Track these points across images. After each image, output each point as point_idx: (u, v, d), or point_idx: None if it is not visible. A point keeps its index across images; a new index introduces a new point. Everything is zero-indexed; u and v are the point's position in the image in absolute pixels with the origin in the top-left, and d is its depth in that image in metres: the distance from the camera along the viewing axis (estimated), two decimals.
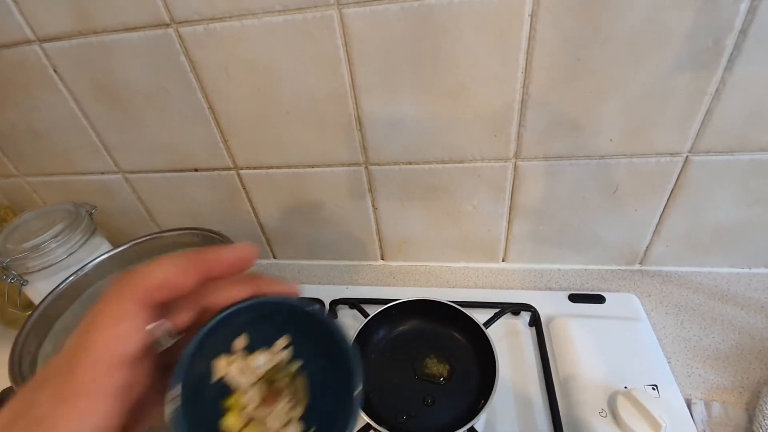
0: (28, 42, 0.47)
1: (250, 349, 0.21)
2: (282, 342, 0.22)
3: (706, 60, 0.38)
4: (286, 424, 0.21)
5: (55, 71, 0.49)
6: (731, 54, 0.38)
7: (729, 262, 0.54)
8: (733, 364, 0.45)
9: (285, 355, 0.22)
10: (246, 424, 0.20)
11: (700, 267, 0.55)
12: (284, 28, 0.42)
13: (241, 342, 0.21)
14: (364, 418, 0.38)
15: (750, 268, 0.54)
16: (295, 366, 0.22)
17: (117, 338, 0.17)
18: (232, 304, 0.20)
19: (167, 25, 0.43)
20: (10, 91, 0.52)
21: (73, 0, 0.43)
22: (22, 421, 0.16)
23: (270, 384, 0.21)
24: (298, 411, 0.22)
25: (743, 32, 0.36)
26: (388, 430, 0.37)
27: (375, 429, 0.37)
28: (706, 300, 0.51)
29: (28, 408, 0.16)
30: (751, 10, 0.35)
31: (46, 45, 0.47)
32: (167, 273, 0.18)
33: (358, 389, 0.21)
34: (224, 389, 0.21)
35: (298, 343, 0.22)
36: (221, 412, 0.21)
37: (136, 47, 0.45)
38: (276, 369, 0.22)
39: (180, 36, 0.44)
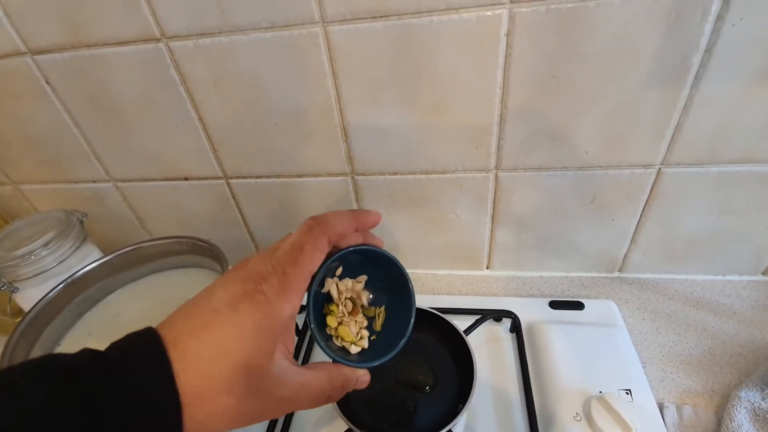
0: (20, 54, 0.48)
1: (342, 276, 0.31)
2: (362, 277, 0.31)
3: (674, 77, 0.40)
4: (359, 330, 0.31)
5: (47, 82, 0.50)
6: (698, 72, 0.39)
7: (704, 270, 0.56)
8: (706, 369, 0.46)
9: (361, 285, 0.32)
10: (339, 323, 0.30)
11: (677, 274, 0.56)
12: (272, 43, 0.43)
13: (339, 270, 0.30)
14: (345, 423, 0.39)
15: (724, 275, 0.55)
16: (366, 293, 0.32)
17: (315, 260, 0.25)
18: (347, 247, 0.28)
19: (158, 40, 0.44)
20: (3, 101, 0.53)
21: (65, 14, 0.44)
22: (247, 301, 0.23)
23: (353, 302, 0.31)
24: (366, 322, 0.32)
25: (708, 51, 0.38)
26: None
27: None
28: (682, 306, 0.53)
29: (248, 294, 0.23)
30: (716, 31, 0.37)
31: (38, 57, 0.48)
32: (346, 224, 0.27)
33: (413, 315, 0.30)
34: (329, 298, 0.30)
35: (374, 277, 0.32)
36: (323, 314, 0.30)
37: (128, 60, 0.47)
38: (357, 293, 0.31)
39: (170, 50, 0.45)
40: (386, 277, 0.31)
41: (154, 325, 0.24)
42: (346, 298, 0.31)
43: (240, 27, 0.42)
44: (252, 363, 0.23)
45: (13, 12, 0.45)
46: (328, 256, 0.27)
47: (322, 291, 0.30)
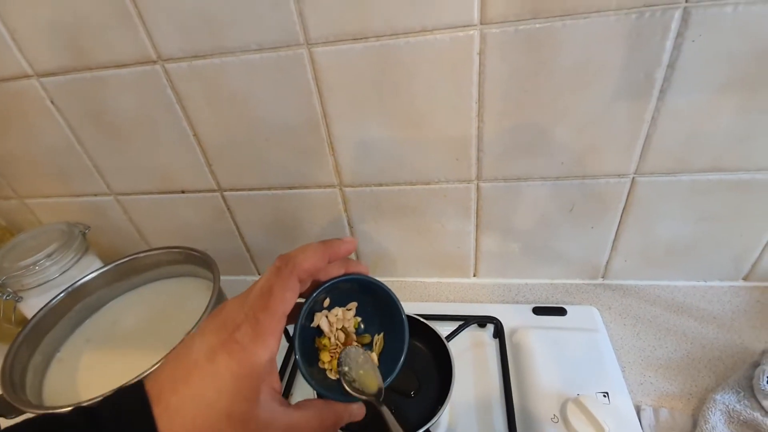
0: (27, 76, 0.51)
1: (331, 307, 0.31)
2: (353, 304, 0.32)
3: (640, 91, 0.42)
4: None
5: (52, 102, 0.53)
6: (662, 85, 0.41)
7: (685, 276, 0.57)
8: (684, 373, 0.47)
9: (352, 313, 0.32)
10: (332, 358, 0.30)
11: (658, 280, 0.58)
12: (260, 64, 0.46)
13: (326, 302, 0.31)
14: None
15: (705, 281, 0.57)
16: (358, 320, 0.32)
17: (286, 301, 0.25)
18: (330, 279, 0.29)
19: (154, 62, 0.47)
20: (10, 120, 0.56)
21: (68, 39, 0.47)
22: (223, 351, 0.23)
23: (345, 332, 0.31)
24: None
25: (671, 66, 0.40)
26: None
27: None
28: (663, 312, 0.54)
29: (224, 343, 0.24)
30: (677, 47, 0.39)
31: (43, 79, 0.51)
32: (315, 259, 0.27)
33: (406, 340, 0.31)
34: (319, 332, 0.30)
35: (363, 303, 0.32)
36: (316, 348, 0.30)
37: (127, 81, 0.49)
38: (348, 321, 0.31)
39: (166, 71, 0.48)
40: (374, 302, 0.31)
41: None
42: (337, 329, 0.31)
43: (230, 49, 0.45)
44: (235, 411, 0.23)
45: (20, 38, 0.49)
46: (314, 288, 0.28)
47: (312, 326, 0.30)
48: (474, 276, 0.63)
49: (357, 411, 0.29)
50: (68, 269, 0.56)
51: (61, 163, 0.59)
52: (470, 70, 0.43)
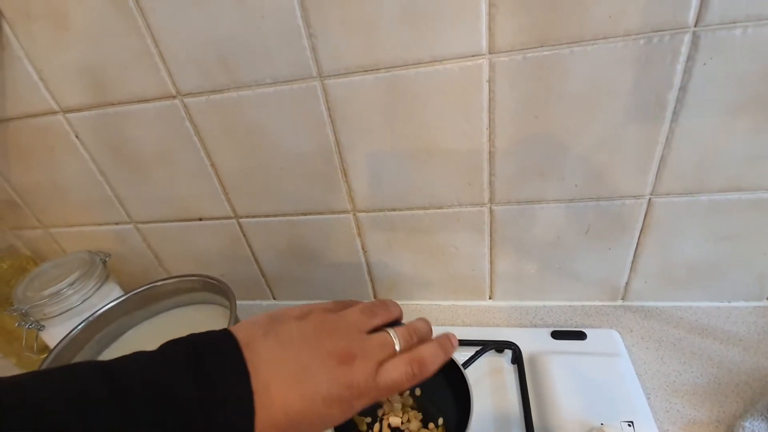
0: (54, 113, 0.54)
1: None
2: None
3: (652, 113, 0.42)
4: None
5: (76, 137, 0.55)
6: (675, 107, 0.41)
7: (708, 297, 0.55)
8: (711, 399, 0.46)
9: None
10: None
11: (680, 302, 0.56)
12: (274, 96, 0.47)
13: None
14: None
15: (729, 302, 0.55)
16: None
17: None
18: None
19: (174, 97, 0.49)
20: (37, 153, 0.59)
21: (92, 77, 0.50)
22: (338, 406, 0.26)
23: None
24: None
25: (683, 89, 0.40)
26: None
27: None
28: (687, 334, 0.53)
29: (342, 400, 0.26)
30: (687, 70, 0.39)
31: (69, 115, 0.53)
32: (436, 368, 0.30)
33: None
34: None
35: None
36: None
37: (147, 115, 0.51)
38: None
39: (185, 105, 0.50)
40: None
41: None
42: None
43: (246, 83, 0.47)
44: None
45: (47, 77, 0.51)
46: None
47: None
48: (489, 299, 0.62)
49: None
50: (89, 297, 0.57)
51: (84, 193, 0.61)
52: (480, 97, 0.43)
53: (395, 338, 0.29)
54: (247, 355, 0.25)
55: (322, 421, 0.25)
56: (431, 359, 0.29)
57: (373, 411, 0.45)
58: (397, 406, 0.44)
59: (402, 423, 0.43)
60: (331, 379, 0.26)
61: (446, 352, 0.30)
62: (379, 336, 0.29)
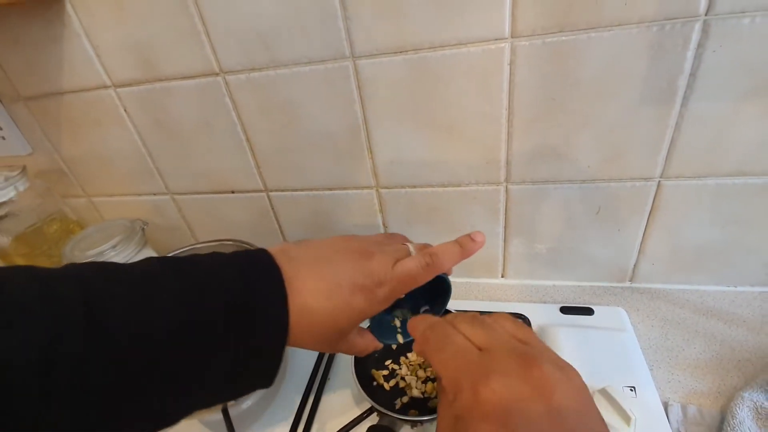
0: (105, 87, 0.58)
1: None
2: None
3: (663, 98, 0.45)
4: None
5: (125, 110, 0.60)
6: (685, 93, 0.44)
7: (714, 281, 0.57)
8: (712, 372, 0.48)
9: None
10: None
11: (687, 285, 0.58)
12: (309, 75, 0.51)
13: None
14: (368, 402, 0.44)
15: (735, 287, 0.57)
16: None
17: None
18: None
19: (216, 74, 0.53)
20: (86, 126, 0.63)
21: (142, 55, 0.54)
22: (362, 294, 0.31)
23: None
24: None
25: (693, 75, 0.43)
26: (388, 410, 0.43)
27: (377, 410, 0.43)
28: (691, 315, 0.55)
29: (364, 288, 0.31)
30: (698, 57, 0.42)
31: (119, 89, 0.58)
32: (453, 263, 0.34)
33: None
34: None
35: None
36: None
37: (190, 91, 0.56)
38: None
39: (226, 82, 0.54)
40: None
41: None
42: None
43: (283, 62, 0.51)
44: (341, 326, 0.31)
45: (102, 53, 0.56)
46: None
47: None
48: (502, 277, 0.65)
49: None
50: (129, 260, 0.62)
51: (127, 165, 0.66)
52: (501, 79, 0.46)
53: (411, 247, 0.34)
54: (279, 257, 0.30)
55: (350, 307, 0.30)
56: (445, 254, 0.33)
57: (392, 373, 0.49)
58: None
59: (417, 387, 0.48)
60: (354, 268, 0.30)
61: (464, 248, 0.33)
62: (396, 244, 0.34)
